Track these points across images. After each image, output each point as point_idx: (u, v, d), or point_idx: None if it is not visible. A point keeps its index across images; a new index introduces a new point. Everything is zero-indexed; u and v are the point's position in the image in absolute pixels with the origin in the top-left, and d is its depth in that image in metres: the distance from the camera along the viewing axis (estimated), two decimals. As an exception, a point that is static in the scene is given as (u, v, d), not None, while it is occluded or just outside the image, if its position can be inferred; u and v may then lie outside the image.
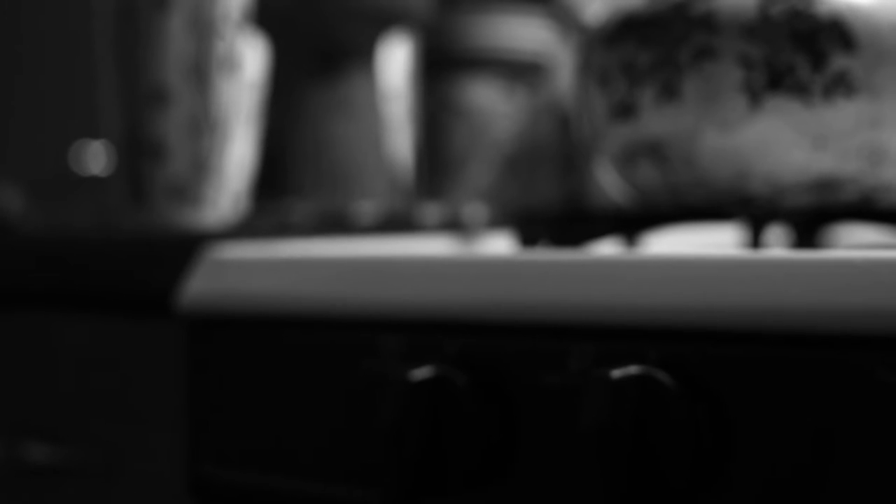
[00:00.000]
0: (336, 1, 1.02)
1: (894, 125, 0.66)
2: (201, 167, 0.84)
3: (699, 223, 0.72)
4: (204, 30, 0.84)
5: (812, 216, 0.69)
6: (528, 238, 0.70)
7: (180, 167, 0.84)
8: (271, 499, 0.64)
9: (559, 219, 0.68)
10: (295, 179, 1.02)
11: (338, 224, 0.84)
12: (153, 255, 0.74)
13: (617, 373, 0.51)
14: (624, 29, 0.69)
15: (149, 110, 0.84)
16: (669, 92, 0.67)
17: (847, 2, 0.65)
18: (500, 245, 0.90)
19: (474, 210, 0.95)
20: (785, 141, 0.65)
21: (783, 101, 0.65)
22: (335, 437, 0.62)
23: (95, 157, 1.25)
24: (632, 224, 0.70)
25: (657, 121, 0.67)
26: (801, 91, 0.65)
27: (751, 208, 0.70)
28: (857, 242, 0.86)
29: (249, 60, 1.00)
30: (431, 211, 0.92)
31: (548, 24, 1.21)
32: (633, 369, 0.51)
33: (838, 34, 0.65)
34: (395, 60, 1.36)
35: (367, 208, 0.94)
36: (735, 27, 0.65)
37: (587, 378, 0.53)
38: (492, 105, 1.16)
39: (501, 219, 1.08)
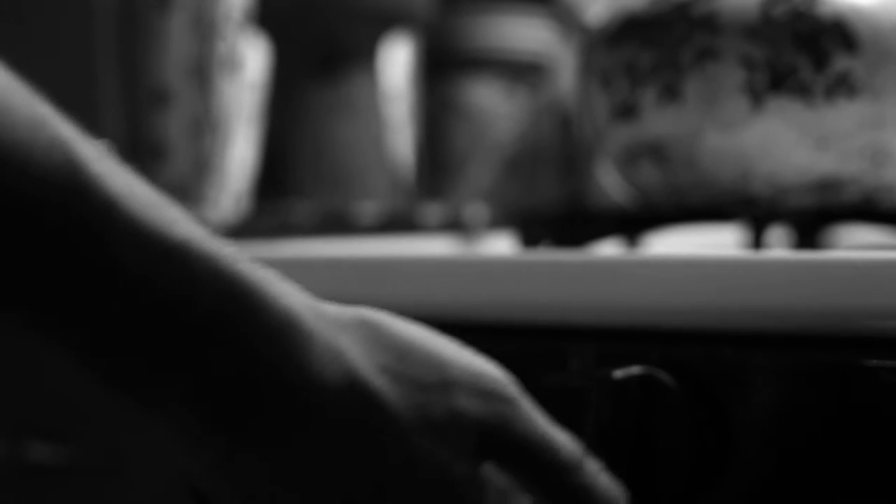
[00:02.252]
0: (337, 2, 1.02)
1: (896, 126, 0.66)
2: (202, 167, 0.84)
3: (701, 224, 0.72)
4: (205, 30, 0.84)
5: (814, 217, 0.69)
6: (530, 238, 0.70)
7: (181, 167, 0.84)
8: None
9: (560, 219, 0.68)
10: (296, 180, 1.02)
11: (339, 224, 0.84)
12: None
13: (619, 373, 0.51)
14: (626, 30, 0.69)
15: (150, 110, 0.84)
16: (671, 93, 0.67)
17: (849, 3, 0.65)
18: (501, 246, 0.90)
19: (475, 211, 0.95)
20: (787, 142, 0.65)
21: (785, 101, 0.65)
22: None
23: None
24: (633, 225, 0.70)
25: (659, 121, 0.67)
26: (803, 92, 0.65)
27: (752, 209, 0.70)
28: (859, 243, 0.86)
29: (250, 61, 1.00)
30: (432, 211, 0.93)
31: (549, 24, 1.21)
32: (635, 369, 0.51)
33: (840, 35, 0.65)
34: (397, 61, 1.36)
35: (368, 209, 0.94)
36: (737, 28, 0.65)
37: (589, 378, 0.53)
38: (493, 105, 1.16)
39: (503, 219, 1.08)
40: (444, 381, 0.44)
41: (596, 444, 0.50)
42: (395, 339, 0.45)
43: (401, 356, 0.44)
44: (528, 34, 1.18)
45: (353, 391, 0.43)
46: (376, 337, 0.44)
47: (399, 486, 0.43)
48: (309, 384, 0.42)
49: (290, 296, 0.43)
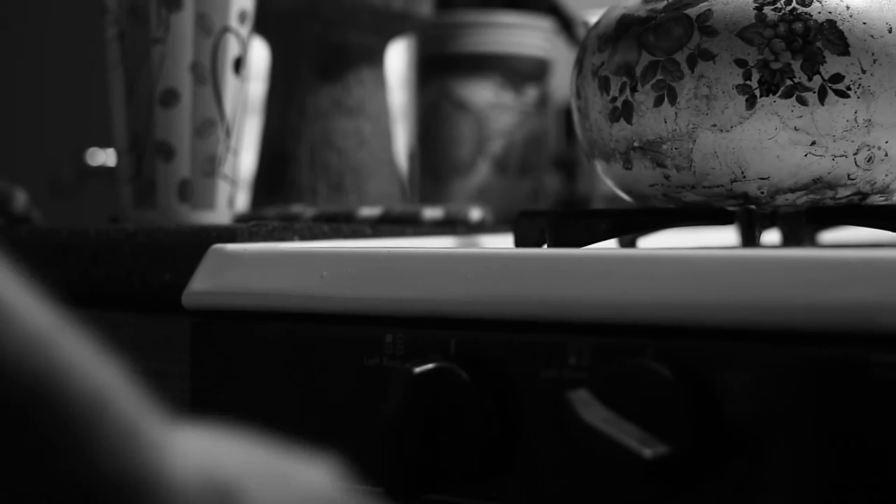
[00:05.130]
0: (338, 4, 1.02)
1: (888, 126, 0.66)
2: (209, 166, 0.85)
3: (696, 223, 0.72)
4: (213, 30, 0.85)
5: (807, 216, 0.70)
6: (528, 239, 0.70)
7: (188, 166, 0.85)
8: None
9: (559, 219, 0.69)
10: (299, 180, 1.02)
11: (341, 223, 0.84)
12: (161, 253, 0.75)
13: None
14: (621, 31, 0.70)
15: (157, 109, 0.84)
16: (667, 94, 0.67)
17: (842, 4, 0.66)
18: (499, 245, 0.90)
19: (474, 210, 0.96)
20: (781, 142, 0.66)
21: (779, 102, 0.65)
22: (338, 432, 0.62)
23: (104, 156, 1.26)
24: (630, 224, 0.71)
25: (654, 122, 0.68)
26: (796, 93, 0.65)
27: (747, 209, 0.71)
28: (850, 242, 0.87)
29: (255, 61, 1.00)
30: (432, 210, 0.93)
31: (548, 25, 1.21)
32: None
33: (834, 36, 0.65)
34: (392, 59, 1.36)
35: (368, 209, 0.95)
36: (731, 29, 0.66)
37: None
38: (491, 105, 1.16)
39: (501, 220, 1.09)
40: None
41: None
42: None
43: None
44: (526, 35, 1.19)
45: None
46: None
47: None
48: None
49: None
